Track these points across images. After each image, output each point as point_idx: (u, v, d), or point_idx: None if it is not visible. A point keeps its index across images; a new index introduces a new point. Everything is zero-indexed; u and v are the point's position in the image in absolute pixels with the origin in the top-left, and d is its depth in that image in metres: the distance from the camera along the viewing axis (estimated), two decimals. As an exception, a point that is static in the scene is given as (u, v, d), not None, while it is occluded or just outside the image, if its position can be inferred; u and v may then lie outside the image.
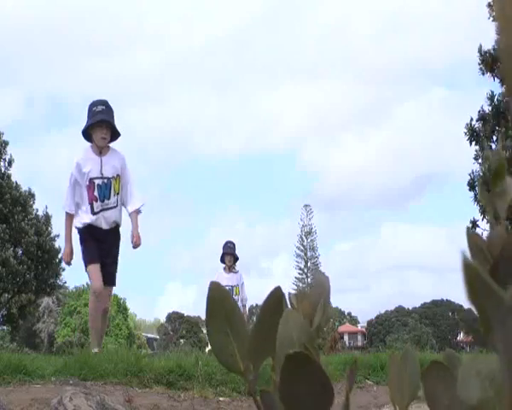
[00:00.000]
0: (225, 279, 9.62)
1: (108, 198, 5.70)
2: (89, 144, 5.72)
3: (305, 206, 67.57)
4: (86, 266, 5.62)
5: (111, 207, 5.74)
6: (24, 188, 28.27)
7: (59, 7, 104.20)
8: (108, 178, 5.67)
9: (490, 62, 16.86)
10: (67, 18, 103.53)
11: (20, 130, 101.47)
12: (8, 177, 27.53)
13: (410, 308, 78.36)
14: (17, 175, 43.67)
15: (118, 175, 5.70)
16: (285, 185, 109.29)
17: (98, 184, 5.64)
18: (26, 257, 27.32)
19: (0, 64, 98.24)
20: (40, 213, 29.28)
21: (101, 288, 5.49)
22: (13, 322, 30.19)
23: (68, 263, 5.81)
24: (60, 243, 30.04)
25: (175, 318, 69.04)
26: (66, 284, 37.57)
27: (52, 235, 29.39)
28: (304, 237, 66.37)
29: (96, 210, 5.65)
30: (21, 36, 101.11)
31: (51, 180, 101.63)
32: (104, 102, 5.75)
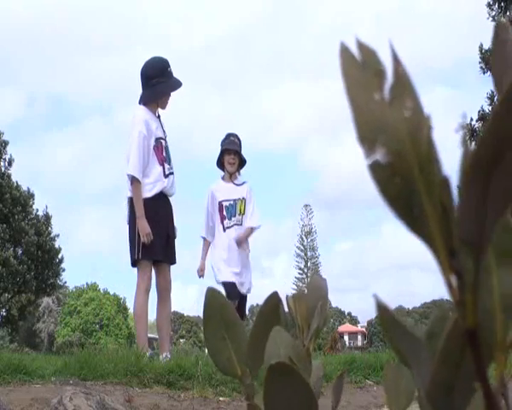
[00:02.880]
0: (224, 191, 6.32)
1: (171, 162, 5.28)
2: (141, 106, 5.20)
3: (305, 206, 67.62)
4: (141, 258, 5.00)
5: (173, 173, 5.30)
6: (24, 188, 28.31)
7: (60, 6, 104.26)
8: (167, 141, 5.30)
9: (490, 61, 16.86)
10: (68, 18, 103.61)
11: (20, 129, 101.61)
12: (8, 177, 27.56)
13: (411, 308, 78.41)
14: (17, 175, 43.70)
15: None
16: (286, 185, 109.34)
17: (164, 146, 5.21)
18: (26, 257, 27.34)
19: (1, 64, 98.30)
20: (40, 213, 29.31)
21: (150, 288, 5.07)
22: (12, 322, 30.20)
23: (149, 242, 4.92)
24: (59, 242, 30.09)
25: (175, 318, 69.05)
26: (67, 284, 37.64)
27: (52, 235, 29.42)
28: (304, 237, 66.41)
29: (167, 172, 5.16)
30: (22, 35, 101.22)
31: (51, 180, 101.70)
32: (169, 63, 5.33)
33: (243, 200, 6.29)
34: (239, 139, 6.39)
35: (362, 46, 0.37)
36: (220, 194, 6.29)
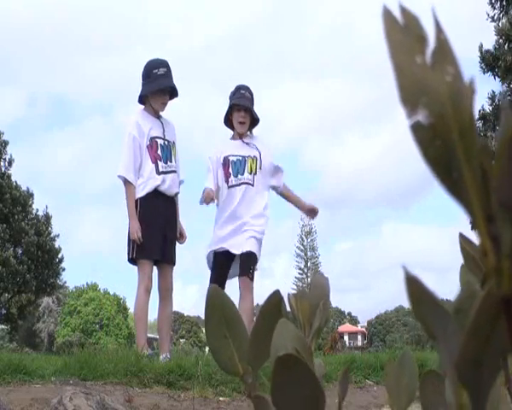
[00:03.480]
0: (232, 146, 5.42)
1: (171, 160, 5.18)
2: (141, 107, 5.27)
3: (305, 206, 67.45)
4: (139, 258, 5.04)
5: (173, 171, 5.18)
6: (24, 188, 28.32)
7: (61, 6, 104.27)
8: (169, 141, 5.22)
9: (490, 61, 16.87)
10: (69, 17, 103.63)
11: (21, 129, 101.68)
12: (8, 177, 27.57)
13: (411, 308, 78.62)
14: (18, 175, 43.68)
15: (174, 142, 5.28)
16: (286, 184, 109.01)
17: (160, 144, 5.15)
18: (26, 257, 27.35)
19: (2, 63, 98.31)
20: (40, 213, 29.31)
21: (151, 287, 5.04)
22: (12, 322, 30.22)
23: (139, 240, 4.94)
24: (59, 242, 30.09)
25: (175, 318, 69.07)
26: (67, 284, 37.66)
27: (52, 235, 29.42)
28: (304, 237, 66.38)
29: (160, 170, 5.08)
30: (22, 35, 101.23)
31: (52, 180, 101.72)
32: (165, 64, 5.21)
33: (255, 158, 5.37)
34: (251, 93, 5.45)
35: (404, 11, 0.38)
36: (227, 149, 5.42)
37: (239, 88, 5.45)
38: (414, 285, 0.39)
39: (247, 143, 5.41)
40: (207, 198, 5.18)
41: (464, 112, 0.36)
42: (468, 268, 0.57)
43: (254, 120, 5.47)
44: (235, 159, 5.36)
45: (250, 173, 5.34)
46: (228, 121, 5.50)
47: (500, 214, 0.35)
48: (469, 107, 0.36)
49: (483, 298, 0.35)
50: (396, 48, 0.37)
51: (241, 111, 5.36)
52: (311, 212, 5.62)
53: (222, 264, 5.32)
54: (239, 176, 5.33)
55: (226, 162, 5.36)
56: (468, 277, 0.49)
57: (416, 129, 0.36)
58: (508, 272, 0.35)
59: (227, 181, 5.34)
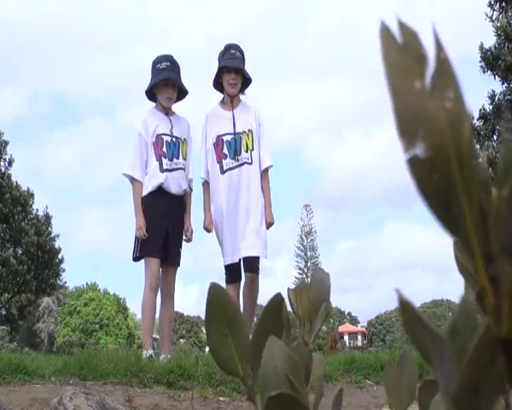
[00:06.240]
0: (223, 121, 5.05)
1: (177, 158, 5.06)
2: (153, 105, 5.22)
3: (305, 206, 67.47)
4: (143, 256, 5.01)
5: (180, 168, 5.06)
6: (24, 188, 28.30)
7: (62, 5, 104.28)
8: (177, 138, 5.10)
9: (491, 60, 16.85)
10: (71, 16, 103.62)
11: (22, 128, 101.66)
12: (9, 177, 27.53)
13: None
14: (18, 175, 43.68)
15: (185, 139, 5.17)
16: (288, 184, 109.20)
17: (167, 141, 5.04)
18: (26, 257, 27.31)
19: (3, 62, 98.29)
20: (40, 213, 29.29)
21: (158, 285, 4.99)
22: (12, 322, 30.20)
23: (144, 236, 4.90)
24: (60, 243, 30.07)
25: (175, 318, 68.89)
26: (67, 284, 37.62)
27: (52, 235, 29.39)
28: (304, 237, 66.31)
29: (165, 167, 4.98)
30: (24, 34, 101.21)
31: (52, 180, 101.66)
32: (169, 58, 5.14)
33: (250, 132, 5.00)
34: (241, 52, 5.07)
35: (403, 27, 0.35)
36: (218, 125, 5.08)
37: (228, 47, 5.08)
38: (407, 310, 0.38)
39: (240, 113, 5.05)
40: (208, 229, 5.13)
41: (464, 141, 0.34)
42: (464, 278, 0.57)
43: (246, 80, 5.15)
44: (229, 138, 5.01)
45: (246, 151, 4.99)
46: (217, 84, 5.15)
47: (501, 254, 0.34)
48: (470, 135, 0.35)
49: (481, 336, 0.34)
50: (393, 69, 0.35)
51: (232, 73, 5.01)
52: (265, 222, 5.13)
53: (237, 269, 5.10)
54: (236, 157, 4.99)
55: (219, 143, 5.03)
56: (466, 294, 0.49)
57: (413, 164, 0.35)
58: (507, 314, 0.34)
59: (220, 163, 5.02)
